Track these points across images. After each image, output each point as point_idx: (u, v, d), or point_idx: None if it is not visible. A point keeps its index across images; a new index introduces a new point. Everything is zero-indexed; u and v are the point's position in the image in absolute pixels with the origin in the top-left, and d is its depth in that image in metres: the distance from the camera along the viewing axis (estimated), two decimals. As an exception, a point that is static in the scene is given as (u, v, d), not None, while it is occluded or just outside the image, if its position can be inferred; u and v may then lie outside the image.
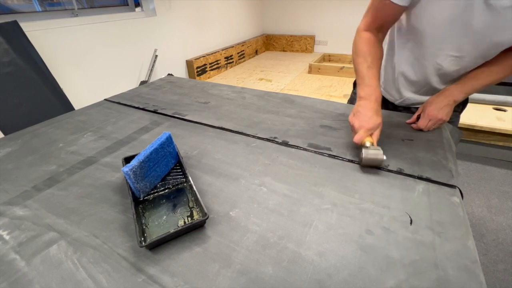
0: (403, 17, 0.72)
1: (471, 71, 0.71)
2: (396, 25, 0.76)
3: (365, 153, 0.56)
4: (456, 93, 0.71)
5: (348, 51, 3.50)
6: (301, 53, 4.08)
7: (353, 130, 0.64)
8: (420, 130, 0.73)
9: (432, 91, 0.80)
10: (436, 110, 0.71)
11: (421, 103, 0.83)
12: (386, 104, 0.93)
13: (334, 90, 2.42)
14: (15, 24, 1.43)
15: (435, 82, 0.77)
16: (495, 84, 0.70)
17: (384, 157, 0.56)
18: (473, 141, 1.75)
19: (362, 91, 0.66)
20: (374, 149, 0.57)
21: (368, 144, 0.58)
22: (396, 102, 0.90)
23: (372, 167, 0.59)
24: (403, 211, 0.47)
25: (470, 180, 1.82)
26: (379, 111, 0.63)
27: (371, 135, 0.61)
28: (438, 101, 0.72)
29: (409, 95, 0.85)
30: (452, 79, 0.76)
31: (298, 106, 0.91)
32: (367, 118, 0.61)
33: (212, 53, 3.03)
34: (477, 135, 1.71)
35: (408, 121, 0.78)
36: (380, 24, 0.70)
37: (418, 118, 0.76)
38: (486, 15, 0.57)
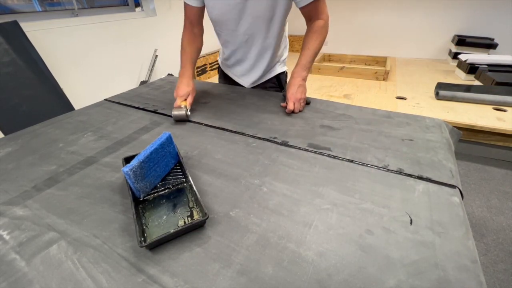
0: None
1: (301, 49, 0.90)
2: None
3: (173, 111, 0.81)
4: (299, 72, 0.88)
5: (348, 51, 3.50)
6: (301, 53, 4.05)
7: None
8: (293, 112, 0.85)
9: (262, 66, 1.01)
10: (294, 92, 0.86)
11: (262, 79, 1.07)
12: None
13: (334, 90, 2.41)
14: (15, 24, 1.43)
15: (258, 56, 0.98)
16: (321, 47, 0.89)
17: (189, 113, 0.82)
18: (473, 141, 1.75)
19: (180, 71, 0.92)
20: (182, 109, 0.81)
21: (182, 106, 0.82)
22: (246, 86, 1.11)
23: (180, 121, 0.82)
24: (403, 211, 0.47)
25: (470, 180, 1.82)
26: (189, 83, 0.88)
27: (186, 100, 0.85)
28: (291, 84, 0.88)
29: (251, 75, 1.06)
30: (269, 51, 0.97)
31: (298, 106, 0.91)
32: (180, 89, 0.86)
33: (212, 53, 3.03)
34: (477, 135, 1.71)
35: (282, 104, 0.90)
36: (190, 21, 0.93)
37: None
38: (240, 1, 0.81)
